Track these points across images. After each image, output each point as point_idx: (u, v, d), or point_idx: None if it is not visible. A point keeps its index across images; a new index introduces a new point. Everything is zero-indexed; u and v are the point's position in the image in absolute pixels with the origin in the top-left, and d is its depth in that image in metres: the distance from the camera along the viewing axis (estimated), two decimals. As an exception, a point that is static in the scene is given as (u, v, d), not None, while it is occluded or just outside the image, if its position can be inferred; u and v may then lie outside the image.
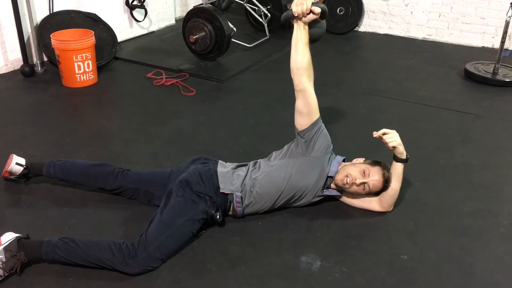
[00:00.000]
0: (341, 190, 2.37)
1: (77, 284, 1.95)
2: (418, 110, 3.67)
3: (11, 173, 2.52)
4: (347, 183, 2.26)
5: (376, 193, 2.38)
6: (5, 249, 1.95)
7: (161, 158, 2.91)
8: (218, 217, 2.21)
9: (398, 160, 2.33)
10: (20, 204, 2.46)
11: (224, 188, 2.25)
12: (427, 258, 2.15)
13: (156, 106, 3.67)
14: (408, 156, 2.34)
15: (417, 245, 2.23)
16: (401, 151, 2.31)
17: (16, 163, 2.50)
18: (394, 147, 2.30)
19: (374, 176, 2.28)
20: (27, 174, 2.53)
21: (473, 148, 3.12)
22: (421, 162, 2.88)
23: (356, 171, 2.28)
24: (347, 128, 3.35)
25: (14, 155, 2.54)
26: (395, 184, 2.35)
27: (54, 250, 1.97)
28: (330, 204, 2.47)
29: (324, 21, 2.41)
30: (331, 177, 2.33)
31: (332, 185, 2.35)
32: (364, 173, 2.27)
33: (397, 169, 2.34)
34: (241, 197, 2.27)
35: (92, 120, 3.45)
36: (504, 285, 2.03)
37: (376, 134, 2.34)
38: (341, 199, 2.48)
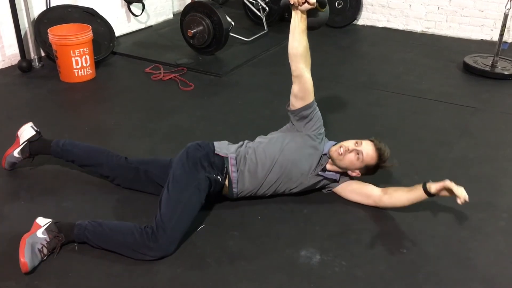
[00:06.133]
0: (339, 172, 2.39)
1: (77, 280, 1.96)
2: (417, 103, 3.67)
3: (20, 139, 2.58)
4: (341, 153, 2.30)
5: (373, 172, 2.38)
6: (47, 229, 2.05)
7: (159, 153, 2.90)
8: (220, 179, 2.29)
9: (427, 193, 2.21)
10: (18, 199, 2.46)
11: (219, 151, 2.36)
12: (426, 252, 2.16)
13: (154, 101, 3.66)
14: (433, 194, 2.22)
15: (416, 239, 2.24)
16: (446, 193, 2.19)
17: (31, 126, 2.61)
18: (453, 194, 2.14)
19: (367, 145, 2.33)
20: (36, 140, 2.57)
21: (472, 141, 3.12)
22: (420, 155, 2.88)
23: (349, 142, 2.35)
24: (346, 122, 3.34)
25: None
26: (404, 199, 2.29)
27: (84, 232, 2.06)
28: (329, 198, 2.48)
29: (326, 10, 2.41)
30: (326, 155, 2.38)
31: (328, 166, 2.38)
32: (356, 143, 2.34)
33: (417, 193, 2.24)
34: (236, 160, 2.33)
35: (90, 115, 3.44)
36: (503, 278, 2.04)
37: (460, 200, 2.12)
38: (341, 193, 2.47)
